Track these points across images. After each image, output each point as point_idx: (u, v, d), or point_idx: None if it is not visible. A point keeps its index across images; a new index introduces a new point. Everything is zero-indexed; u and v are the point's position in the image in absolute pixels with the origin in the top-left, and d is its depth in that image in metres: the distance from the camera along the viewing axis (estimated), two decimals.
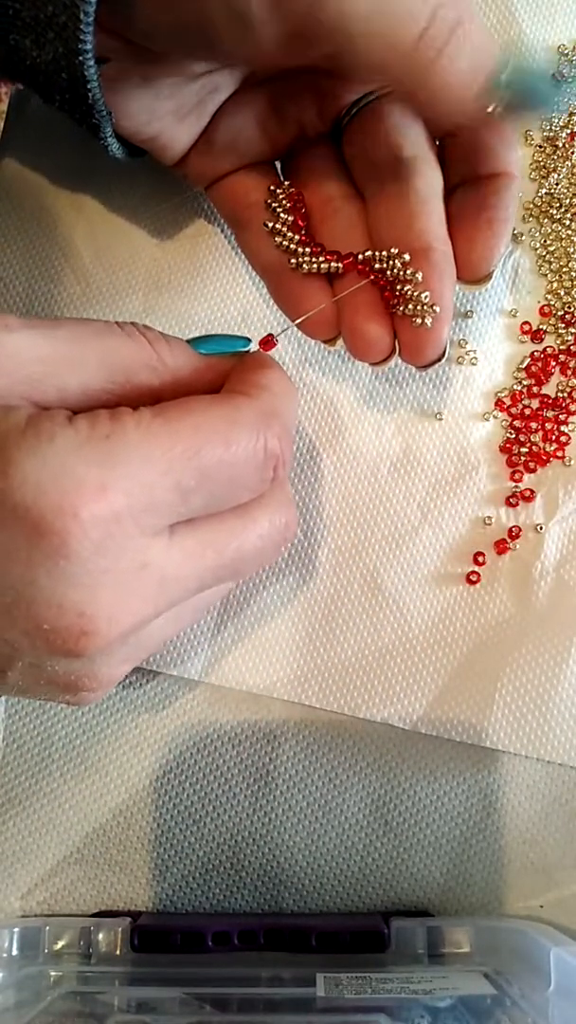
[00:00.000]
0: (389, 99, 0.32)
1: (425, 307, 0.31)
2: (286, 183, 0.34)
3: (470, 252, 0.31)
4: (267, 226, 0.33)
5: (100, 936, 0.32)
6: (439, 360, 0.32)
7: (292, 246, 0.33)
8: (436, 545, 0.36)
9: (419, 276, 0.31)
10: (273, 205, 0.33)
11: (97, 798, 0.35)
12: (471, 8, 0.27)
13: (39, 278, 0.39)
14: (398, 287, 0.31)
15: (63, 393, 0.25)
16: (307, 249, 0.32)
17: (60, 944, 0.32)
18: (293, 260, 0.33)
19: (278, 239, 0.33)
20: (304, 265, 0.32)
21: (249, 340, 0.30)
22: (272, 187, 0.34)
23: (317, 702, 0.35)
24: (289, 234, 0.33)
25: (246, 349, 0.30)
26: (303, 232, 0.33)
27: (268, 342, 0.31)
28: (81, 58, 0.27)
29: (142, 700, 0.35)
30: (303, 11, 0.25)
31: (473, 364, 0.37)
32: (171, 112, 0.32)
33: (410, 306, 0.31)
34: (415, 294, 0.31)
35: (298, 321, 0.32)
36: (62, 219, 0.39)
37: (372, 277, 0.32)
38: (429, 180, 0.31)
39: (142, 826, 0.35)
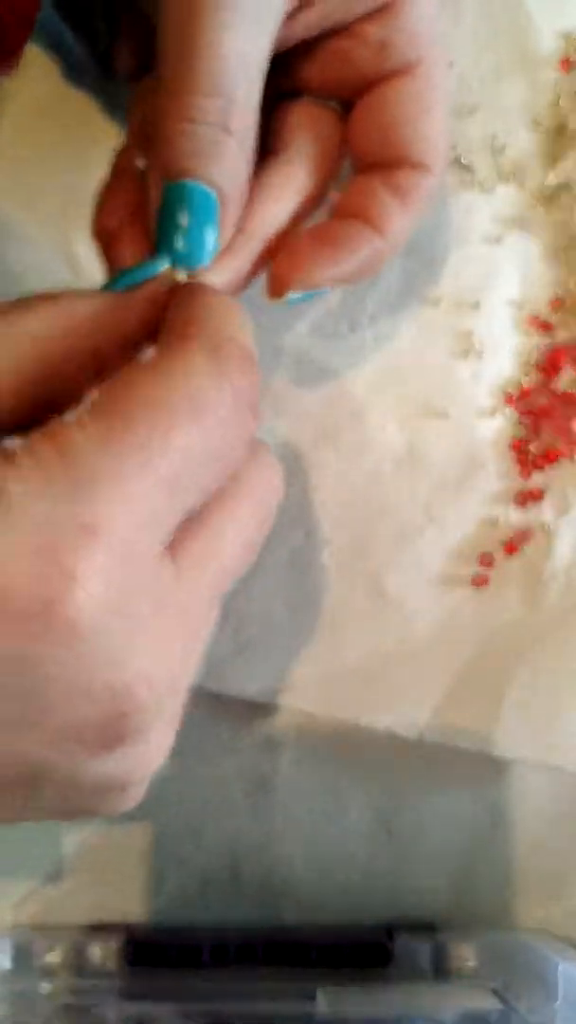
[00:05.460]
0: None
1: None
2: None
3: (280, 260, 0.25)
4: None
5: (94, 949, 0.32)
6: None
7: None
8: (442, 546, 0.35)
9: None
10: None
11: None
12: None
13: (35, 277, 0.39)
14: None
15: None
16: None
17: (53, 957, 0.32)
18: None
19: None
20: None
21: (165, 258, 0.24)
22: None
23: (318, 709, 0.35)
24: None
25: (162, 270, 0.24)
26: None
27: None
28: None
29: None
30: None
31: (480, 358, 0.37)
32: None
33: None
34: None
35: None
36: (58, 217, 0.38)
37: None
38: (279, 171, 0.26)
39: (138, 836, 0.35)
